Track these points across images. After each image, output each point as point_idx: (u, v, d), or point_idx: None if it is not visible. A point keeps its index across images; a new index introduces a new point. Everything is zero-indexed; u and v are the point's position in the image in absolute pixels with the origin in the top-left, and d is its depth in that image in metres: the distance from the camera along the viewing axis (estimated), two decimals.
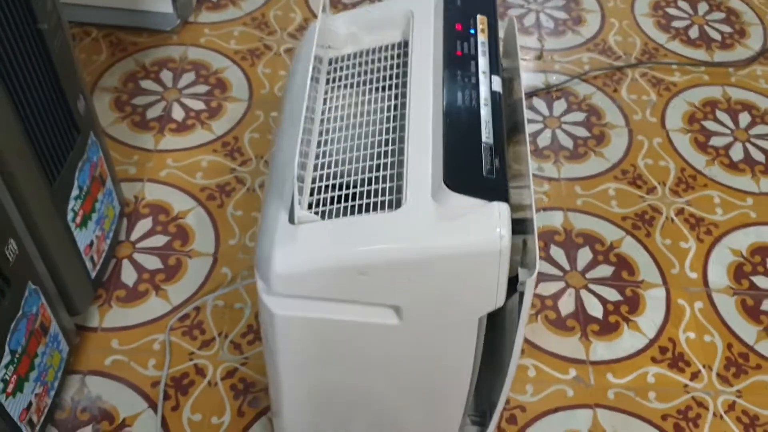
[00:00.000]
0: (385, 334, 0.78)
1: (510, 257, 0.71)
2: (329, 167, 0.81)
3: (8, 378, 0.94)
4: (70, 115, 1.09)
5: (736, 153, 1.54)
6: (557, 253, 1.35)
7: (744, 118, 1.60)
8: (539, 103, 1.61)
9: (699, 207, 1.43)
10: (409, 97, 0.81)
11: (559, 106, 1.61)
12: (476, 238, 0.69)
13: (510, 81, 0.91)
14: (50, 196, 1.04)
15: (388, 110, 0.83)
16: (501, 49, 0.86)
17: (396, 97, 0.85)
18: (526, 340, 1.23)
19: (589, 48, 1.73)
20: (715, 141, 1.56)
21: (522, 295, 0.73)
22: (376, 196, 0.75)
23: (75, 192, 1.11)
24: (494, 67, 0.82)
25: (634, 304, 1.29)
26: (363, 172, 0.79)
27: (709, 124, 1.59)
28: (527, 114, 1.59)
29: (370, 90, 0.87)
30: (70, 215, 1.10)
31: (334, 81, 0.91)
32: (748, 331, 1.26)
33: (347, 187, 0.78)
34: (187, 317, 1.25)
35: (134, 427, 1.13)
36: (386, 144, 0.80)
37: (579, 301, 1.29)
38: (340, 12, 0.97)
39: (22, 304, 0.96)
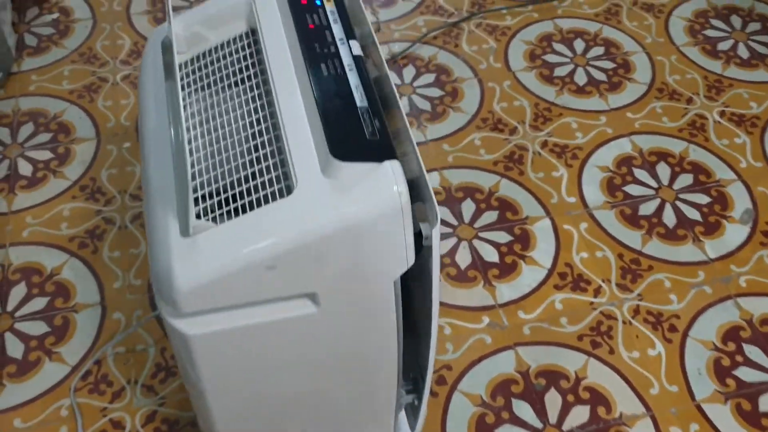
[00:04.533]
0: (306, 326, 0.76)
1: (411, 214, 0.71)
2: (207, 173, 0.78)
3: None
4: None
5: (580, 78, 1.61)
6: (443, 211, 1.37)
7: (579, 45, 1.68)
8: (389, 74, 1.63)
9: (560, 135, 1.50)
10: (273, 82, 0.79)
11: (408, 72, 1.63)
12: (375, 200, 0.68)
13: (366, 48, 0.91)
14: None
15: (253, 101, 0.81)
16: (351, 18, 0.86)
17: (258, 86, 0.83)
18: None
19: (421, 11, 1.77)
20: (559, 71, 1.63)
21: (430, 249, 0.74)
22: (264, 188, 0.73)
23: None
24: (349, 32, 0.82)
25: (525, 240, 1.33)
26: (244, 169, 0.76)
27: (550, 57, 1.66)
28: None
29: (229, 86, 0.85)
30: None
31: (189, 86, 0.88)
32: (633, 237, 1.33)
33: (231, 188, 0.75)
34: (89, 374, 1.18)
35: None
36: (260, 135, 0.78)
37: (474, 251, 1.32)
38: (176, 14, 0.94)
39: None
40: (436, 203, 0.71)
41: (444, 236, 1.34)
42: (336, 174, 0.69)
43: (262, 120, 0.78)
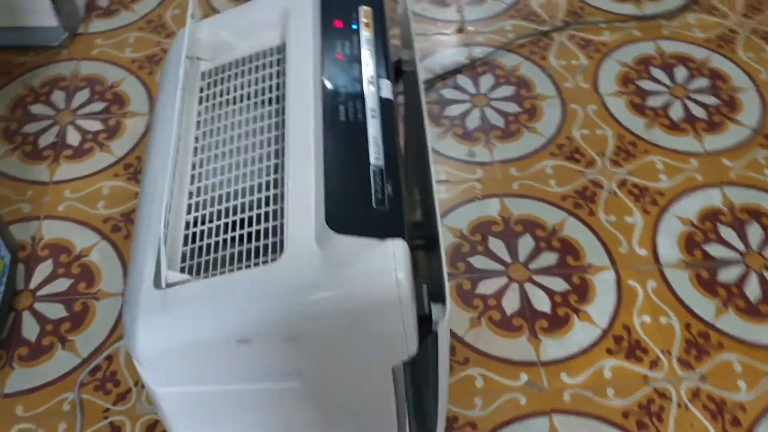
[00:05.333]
0: (289, 398, 0.67)
1: (415, 297, 0.60)
2: (205, 207, 0.69)
3: None
4: None
5: (676, 112, 1.44)
6: (497, 245, 1.25)
7: (680, 73, 1.51)
8: (464, 80, 1.50)
9: (641, 176, 1.34)
10: (287, 117, 0.69)
11: (486, 81, 1.50)
12: (369, 285, 0.58)
13: (412, 74, 0.80)
14: None
15: (269, 130, 0.72)
16: (400, 40, 0.74)
17: (277, 113, 0.73)
18: (471, 348, 1.13)
19: (511, 14, 1.62)
20: (653, 101, 1.46)
21: (436, 336, 0.63)
22: (258, 239, 0.64)
23: None
24: (382, 69, 0.70)
25: (582, 291, 1.20)
26: (243, 210, 0.67)
27: (645, 84, 1.49)
28: (452, 94, 1.50)
29: (250, 106, 0.76)
30: None
31: (208, 99, 0.79)
32: (705, 306, 1.18)
33: (226, 230, 0.66)
34: (98, 369, 1.12)
35: None
36: (266, 173, 0.68)
37: (524, 296, 1.19)
38: (207, 18, 0.85)
39: None
40: (447, 284, 0.60)
41: (494, 274, 1.22)
42: (330, 246, 0.58)
43: (273, 155, 0.68)
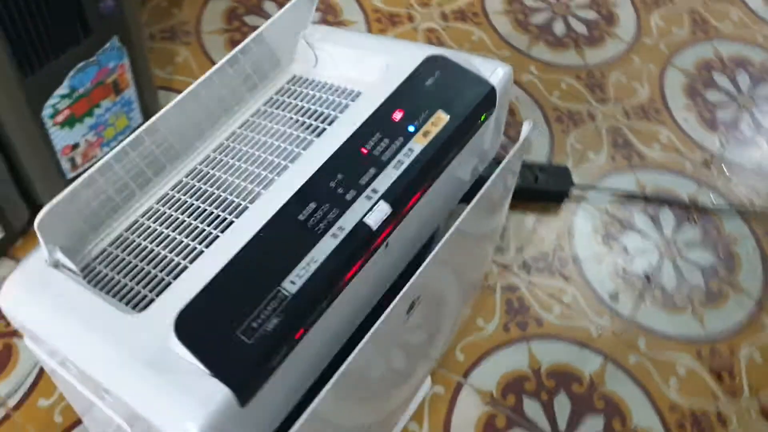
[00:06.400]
0: None
1: None
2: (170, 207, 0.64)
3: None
4: (79, 12, 0.99)
5: None
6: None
7: None
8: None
9: None
10: (282, 175, 0.61)
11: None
12: (162, 417, 0.49)
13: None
14: (22, 87, 0.97)
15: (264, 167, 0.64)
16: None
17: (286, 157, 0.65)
18: None
19: None
20: None
21: None
22: (148, 282, 0.58)
23: (63, 90, 1.02)
24: (393, 190, 0.58)
25: None
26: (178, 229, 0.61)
27: None
28: None
29: (277, 135, 0.68)
30: (48, 111, 1.02)
31: (272, 105, 0.72)
32: None
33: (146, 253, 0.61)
34: None
35: None
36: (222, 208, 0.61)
37: None
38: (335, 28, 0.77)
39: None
40: None
41: None
42: (168, 344, 0.50)
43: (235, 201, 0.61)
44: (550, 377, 1.13)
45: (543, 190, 1.28)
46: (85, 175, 0.58)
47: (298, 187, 0.57)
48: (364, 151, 0.59)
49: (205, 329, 0.51)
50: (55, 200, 0.55)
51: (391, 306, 0.58)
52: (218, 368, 0.49)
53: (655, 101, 1.45)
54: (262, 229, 0.55)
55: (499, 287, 1.21)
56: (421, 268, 0.60)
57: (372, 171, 0.58)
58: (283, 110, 0.70)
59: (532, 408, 1.09)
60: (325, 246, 0.55)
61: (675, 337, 1.18)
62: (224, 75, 0.66)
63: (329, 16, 1.48)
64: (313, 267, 0.54)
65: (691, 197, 1.33)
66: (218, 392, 0.49)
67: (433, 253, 0.61)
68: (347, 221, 0.56)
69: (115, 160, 0.60)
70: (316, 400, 0.53)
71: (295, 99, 0.72)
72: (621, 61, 1.50)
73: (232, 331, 0.50)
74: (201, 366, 0.49)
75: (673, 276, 1.25)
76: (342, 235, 0.55)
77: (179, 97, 0.63)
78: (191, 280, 0.54)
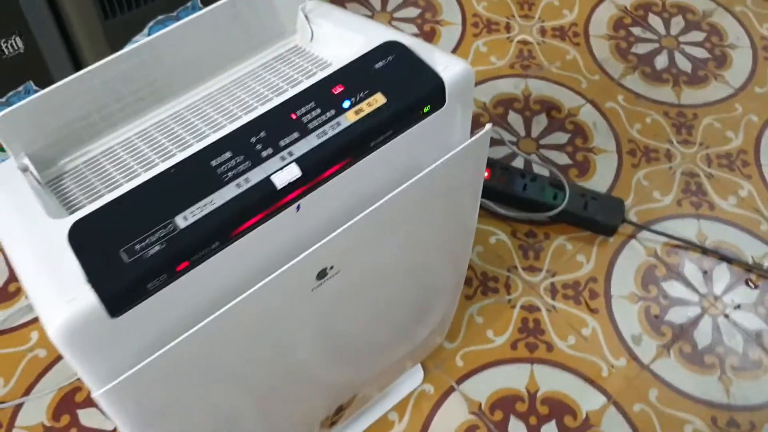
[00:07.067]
0: None
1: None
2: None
3: None
4: None
5: None
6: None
7: None
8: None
9: None
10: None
11: None
12: (37, 305, 0.56)
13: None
14: (102, 26, 1.08)
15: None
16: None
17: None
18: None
19: None
20: None
21: None
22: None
23: (142, 38, 1.13)
24: (309, 157, 0.61)
25: None
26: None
27: None
28: None
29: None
30: None
31: (265, 69, 0.77)
32: None
33: None
34: None
35: None
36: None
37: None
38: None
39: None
40: None
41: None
42: (65, 245, 0.57)
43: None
44: (545, 403, 1.10)
45: (590, 219, 1.24)
46: (59, 83, 0.65)
47: (223, 135, 0.62)
48: (293, 116, 0.63)
49: (94, 240, 0.57)
50: (17, 105, 0.63)
51: (292, 262, 0.62)
52: (93, 276, 0.55)
53: (746, 153, 1.36)
54: (174, 166, 0.60)
55: (519, 305, 1.20)
56: (331, 236, 0.63)
57: (295, 135, 0.62)
58: (272, 74, 0.75)
59: (517, 429, 1.08)
60: (227, 192, 0.59)
61: (692, 396, 1.12)
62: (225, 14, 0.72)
63: (428, 13, 1.51)
64: (209, 209, 0.58)
65: (756, 260, 1.25)
66: (87, 296, 0.54)
67: (346, 225, 0.64)
68: (254, 175, 0.60)
69: (94, 74, 0.67)
70: (198, 326, 0.58)
71: (287, 66, 0.76)
72: (721, 106, 1.42)
73: (116, 248, 0.56)
74: (81, 271, 0.55)
75: (709, 334, 1.18)
76: (246, 186, 0.59)
77: (177, 23, 0.69)
78: (113, 196, 0.60)
